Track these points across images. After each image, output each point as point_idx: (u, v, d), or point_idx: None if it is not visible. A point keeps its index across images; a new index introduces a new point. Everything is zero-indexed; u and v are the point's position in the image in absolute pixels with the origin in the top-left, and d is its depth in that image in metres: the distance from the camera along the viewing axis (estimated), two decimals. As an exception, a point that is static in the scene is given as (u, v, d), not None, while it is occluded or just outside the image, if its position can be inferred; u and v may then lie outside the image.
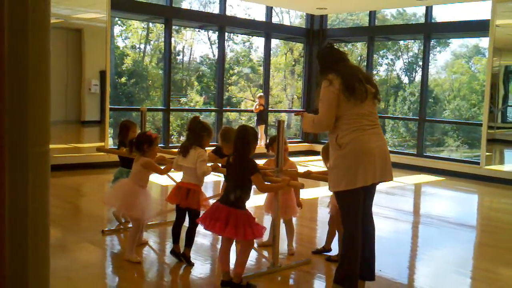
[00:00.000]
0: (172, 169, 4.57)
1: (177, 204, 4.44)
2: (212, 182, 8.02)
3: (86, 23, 9.28)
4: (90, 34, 9.28)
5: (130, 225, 5.31)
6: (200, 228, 4.33)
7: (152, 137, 4.52)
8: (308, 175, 4.47)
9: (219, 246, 4.81)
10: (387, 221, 6.29)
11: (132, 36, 17.81)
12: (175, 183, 4.71)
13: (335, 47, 3.93)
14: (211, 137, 4.47)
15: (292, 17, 18.65)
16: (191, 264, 4.36)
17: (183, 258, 4.38)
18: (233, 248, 4.11)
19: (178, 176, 4.61)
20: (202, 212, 4.43)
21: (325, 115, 3.65)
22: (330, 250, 4.78)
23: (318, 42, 12.86)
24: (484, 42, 16.03)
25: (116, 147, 5.85)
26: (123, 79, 16.86)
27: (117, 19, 14.97)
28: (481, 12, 14.74)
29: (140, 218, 4.50)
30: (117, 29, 16.99)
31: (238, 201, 3.82)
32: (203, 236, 5.11)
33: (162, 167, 4.62)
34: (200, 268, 4.36)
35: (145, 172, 4.51)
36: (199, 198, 4.41)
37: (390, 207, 7.09)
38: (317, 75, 3.96)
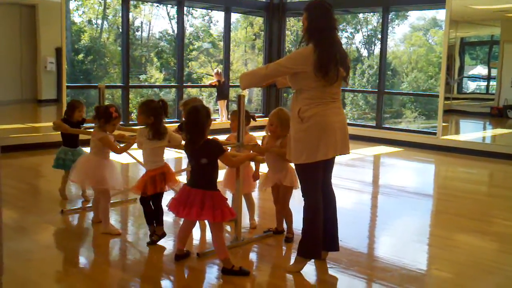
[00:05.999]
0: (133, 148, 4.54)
1: (143, 195, 4.29)
2: (174, 160, 7.98)
3: (40, -1, 9.00)
4: (45, 10, 9.00)
5: (88, 205, 5.26)
6: (162, 205, 4.32)
7: (111, 115, 4.49)
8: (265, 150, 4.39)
9: (181, 221, 4.82)
10: (348, 192, 6.40)
11: (89, 11, 17.37)
12: (135, 161, 4.65)
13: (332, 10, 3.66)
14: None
15: (252, -9, 18.47)
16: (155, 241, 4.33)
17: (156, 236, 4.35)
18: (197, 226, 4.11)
19: (136, 153, 4.55)
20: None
21: (279, 70, 3.64)
22: (282, 231, 4.61)
23: (278, 16, 12.81)
24: (441, 15, 16.26)
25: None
26: (80, 56, 16.48)
27: (72, -7, 14.54)
28: (437, -16, 14.88)
29: (108, 189, 4.54)
30: (72, 4, 16.53)
31: (210, 183, 3.74)
32: (166, 214, 5.08)
33: (122, 145, 4.60)
34: (163, 245, 4.36)
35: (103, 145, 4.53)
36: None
37: (351, 178, 7.20)
38: (301, 39, 3.73)
